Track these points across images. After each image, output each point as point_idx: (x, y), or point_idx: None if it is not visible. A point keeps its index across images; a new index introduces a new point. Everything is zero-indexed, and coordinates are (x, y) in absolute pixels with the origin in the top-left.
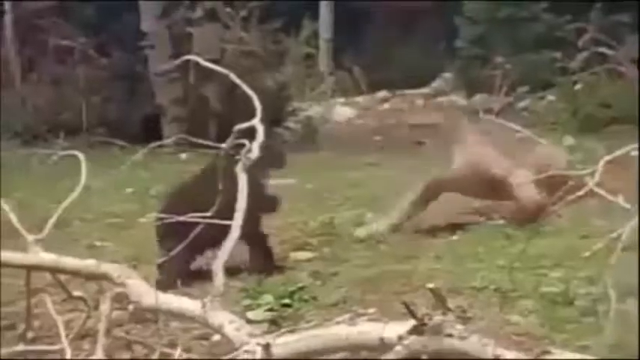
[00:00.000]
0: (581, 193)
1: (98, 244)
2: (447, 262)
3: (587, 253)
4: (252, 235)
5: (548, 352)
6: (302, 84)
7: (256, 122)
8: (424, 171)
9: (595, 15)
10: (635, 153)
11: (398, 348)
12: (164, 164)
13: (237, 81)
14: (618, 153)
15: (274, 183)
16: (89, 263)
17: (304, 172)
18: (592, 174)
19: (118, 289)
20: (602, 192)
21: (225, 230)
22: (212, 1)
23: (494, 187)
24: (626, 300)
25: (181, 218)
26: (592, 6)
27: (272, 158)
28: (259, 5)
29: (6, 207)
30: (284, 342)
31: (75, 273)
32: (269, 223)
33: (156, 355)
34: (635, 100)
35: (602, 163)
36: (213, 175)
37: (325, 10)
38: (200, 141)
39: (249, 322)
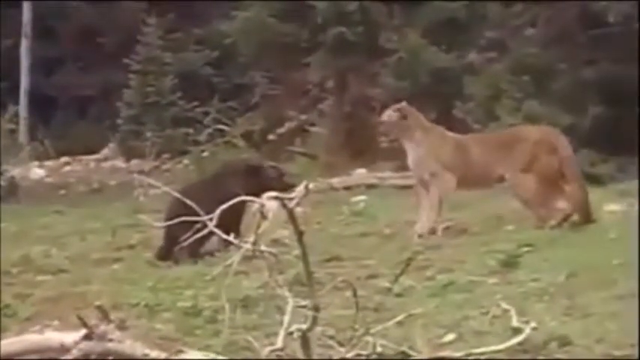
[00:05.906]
0: (204, 232)
1: None
2: (111, 285)
3: (209, 277)
4: None
5: (181, 351)
6: (7, 152)
7: None
8: (96, 216)
9: (215, 102)
10: None
11: (74, 351)
12: None
13: None
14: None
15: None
16: None
17: (8, 219)
18: (211, 219)
19: None
20: (219, 232)
21: None
22: None
23: None
24: (236, 311)
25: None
26: (213, 95)
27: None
28: None
29: None
30: None
31: None
32: None
33: None
34: None
35: (218, 212)
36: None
37: (23, 96)
38: None
39: None
